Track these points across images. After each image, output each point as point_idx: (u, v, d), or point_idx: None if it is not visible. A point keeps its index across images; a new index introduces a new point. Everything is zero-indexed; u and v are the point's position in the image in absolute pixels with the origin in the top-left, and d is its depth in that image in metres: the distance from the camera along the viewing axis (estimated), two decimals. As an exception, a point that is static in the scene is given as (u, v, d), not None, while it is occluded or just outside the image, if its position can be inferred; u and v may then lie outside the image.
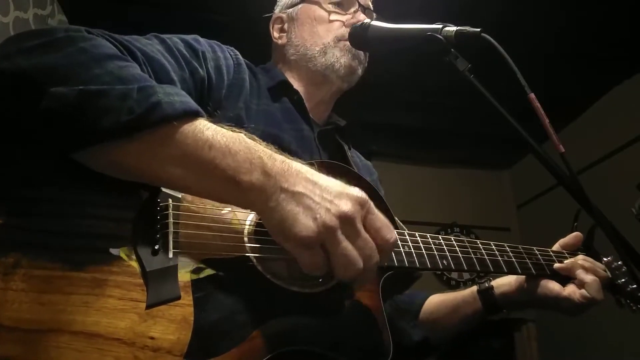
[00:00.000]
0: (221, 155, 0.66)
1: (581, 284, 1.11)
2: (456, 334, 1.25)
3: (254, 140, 0.71)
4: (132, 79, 0.69)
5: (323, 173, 0.72)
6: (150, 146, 0.66)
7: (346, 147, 1.25)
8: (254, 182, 0.66)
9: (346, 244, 0.66)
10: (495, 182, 4.65)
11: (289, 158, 0.70)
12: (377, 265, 0.71)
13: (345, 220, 0.66)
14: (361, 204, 0.68)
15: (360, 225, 0.68)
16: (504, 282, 1.20)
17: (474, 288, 1.22)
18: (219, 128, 0.69)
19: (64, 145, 0.66)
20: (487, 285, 1.21)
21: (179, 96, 0.69)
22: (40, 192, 0.67)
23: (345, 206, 0.66)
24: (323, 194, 0.66)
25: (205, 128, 0.68)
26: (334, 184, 0.69)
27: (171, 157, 0.66)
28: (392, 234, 0.71)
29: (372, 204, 0.70)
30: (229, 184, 0.66)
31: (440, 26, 0.98)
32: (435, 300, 1.29)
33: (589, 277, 1.11)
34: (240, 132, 0.71)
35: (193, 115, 0.69)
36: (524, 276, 1.15)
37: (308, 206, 0.65)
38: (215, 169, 0.66)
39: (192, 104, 0.70)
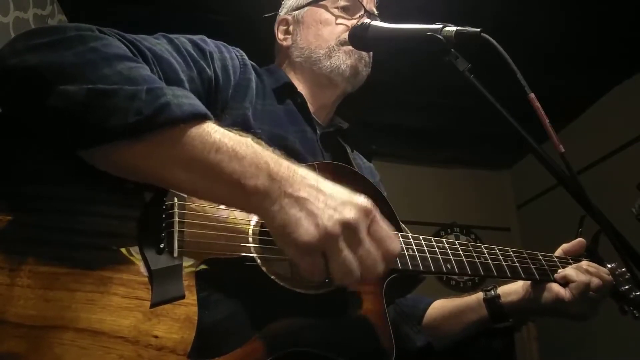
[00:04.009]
0: (227, 159, 0.66)
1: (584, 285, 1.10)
2: (460, 340, 1.24)
3: (260, 144, 0.70)
4: (141, 80, 0.69)
5: (328, 174, 0.71)
6: (157, 148, 0.66)
7: (348, 150, 1.25)
8: (258, 186, 0.65)
9: (346, 253, 0.65)
10: (495, 182, 4.65)
11: (295, 164, 0.70)
12: (377, 276, 0.69)
13: (349, 228, 0.65)
14: (366, 212, 0.67)
15: (364, 235, 0.66)
16: (511, 291, 1.18)
17: (480, 295, 1.21)
18: (226, 132, 0.69)
19: (70, 143, 0.66)
20: (493, 293, 1.19)
21: (187, 98, 0.69)
22: (47, 189, 0.67)
23: (349, 214, 0.65)
24: (327, 200, 0.65)
25: (212, 131, 0.68)
26: (339, 192, 0.68)
27: (178, 160, 0.66)
28: (395, 245, 0.70)
29: (377, 213, 0.69)
30: (234, 188, 0.66)
31: (440, 26, 0.98)
32: (440, 306, 1.27)
33: (594, 279, 1.10)
34: (247, 137, 0.70)
35: (201, 118, 0.68)
36: (529, 283, 1.14)
37: (311, 211, 0.64)
38: (221, 172, 0.66)
39: (201, 106, 0.70)
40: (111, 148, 0.65)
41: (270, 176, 0.66)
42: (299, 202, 0.65)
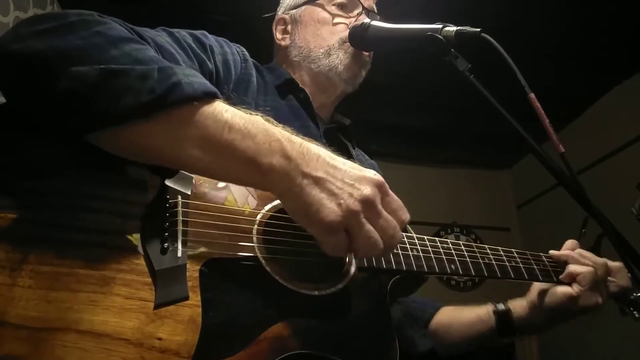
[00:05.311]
0: (240, 137, 0.66)
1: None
2: (465, 349, 1.24)
3: (270, 122, 0.71)
4: (150, 60, 0.68)
5: None
6: (171, 126, 0.66)
7: (350, 146, 1.25)
8: (274, 164, 0.66)
9: (369, 227, 0.67)
10: (495, 182, 4.65)
11: (305, 139, 0.70)
12: (397, 244, 0.73)
13: (367, 203, 0.67)
14: (379, 186, 0.69)
15: (380, 207, 0.68)
16: (521, 304, 1.18)
17: (490, 308, 1.20)
18: (236, 110, 0.69)
19: (82, 127, 0.65)
20: (503, 307, 1.19)
21: (196, 77, 0.69)
22: (49, 185, 0.66)
23: (367, 190, 0.67)
24: (344, 179, 0.67)
25: (224, 110, 0.68)
26: (352, 167, 0.69)
27: (191, 138, 0.66)
28: (406, 214, 0.73)
29: (387, 185, 0.71)
30: (249, 166, 0.67)
31: (441, 26, 0.98)
32: (449, 314, 1.27)
33: (595, 264, 1.11)
34: (257, 114, 0.71)
35: (212, 96, 0.69)
36: (536, 295, 1.14)
37: (332, 191, 0.65)
38: (235, 150, 0.66)
39: (210, 85, 0.70)
40: (124, 128, 0.65)
41: (285, 155, 0.66)
42: (318, 182, 0.66)
